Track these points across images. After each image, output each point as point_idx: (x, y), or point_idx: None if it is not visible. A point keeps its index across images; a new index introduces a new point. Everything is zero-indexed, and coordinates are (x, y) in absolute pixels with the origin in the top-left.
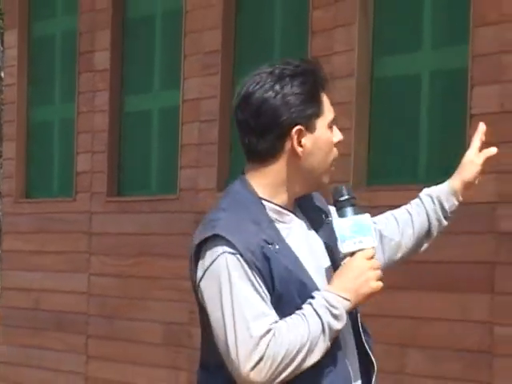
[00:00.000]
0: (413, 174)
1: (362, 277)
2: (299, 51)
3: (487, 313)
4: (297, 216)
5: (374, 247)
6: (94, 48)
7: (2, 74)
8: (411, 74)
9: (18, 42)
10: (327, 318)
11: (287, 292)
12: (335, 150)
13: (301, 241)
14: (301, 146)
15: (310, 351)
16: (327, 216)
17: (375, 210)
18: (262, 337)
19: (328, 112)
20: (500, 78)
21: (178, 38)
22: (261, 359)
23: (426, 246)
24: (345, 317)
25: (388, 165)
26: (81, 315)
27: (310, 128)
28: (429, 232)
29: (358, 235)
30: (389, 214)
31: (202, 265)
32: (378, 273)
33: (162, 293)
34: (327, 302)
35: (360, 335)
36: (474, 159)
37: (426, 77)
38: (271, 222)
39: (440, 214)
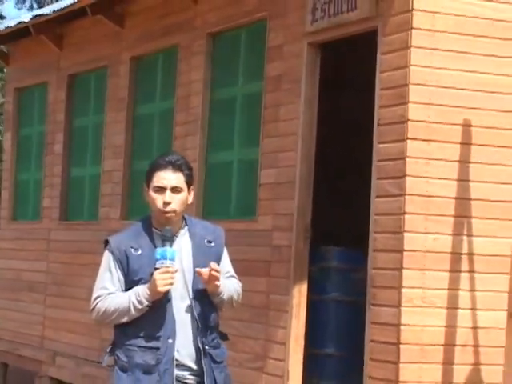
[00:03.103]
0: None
1: (154, 282)
2: None
3: None
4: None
5: (167, 267)
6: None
7: None
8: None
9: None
10: (133, 299)
11: (134, 279)
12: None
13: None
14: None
15: (120, 315)
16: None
17: None
18: (96, 298)
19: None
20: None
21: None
22: (93, 309)
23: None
24: (144, 301)
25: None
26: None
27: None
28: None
29: (162, 259)
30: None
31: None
32: (164, 282)
33: None
34: (137, 292)
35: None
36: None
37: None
38: (145, 240)
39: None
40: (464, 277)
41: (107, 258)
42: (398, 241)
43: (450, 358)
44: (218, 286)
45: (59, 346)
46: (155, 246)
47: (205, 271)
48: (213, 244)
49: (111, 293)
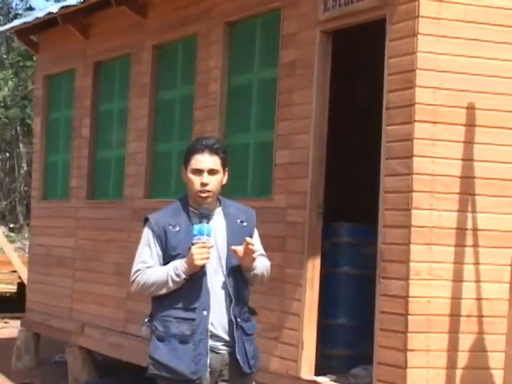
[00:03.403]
0: None
1: (192, 256)
2: None
3: None
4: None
5: (204, 242)
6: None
7: None
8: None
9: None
10: (171, 273)
11: (172, 254)
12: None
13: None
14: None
15: (158, 287)
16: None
17: None
18: (136, 271)
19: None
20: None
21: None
22: (133, 281)
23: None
24: (182, 275)
25: None
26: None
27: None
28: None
29: (199, 235)
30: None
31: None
32: (201, 256)
33: None
34: (175, 265)
35: (227, 287)
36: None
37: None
38: (182, 217)
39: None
40: (468, 251)
41: (147, 234)
42: (406, 217)
43: (456, 328)
44: (253, 260)
45: (87, 317)
46: (192, 224)
47: (240, 248)
48: (245, 224)
49: (150, 266)
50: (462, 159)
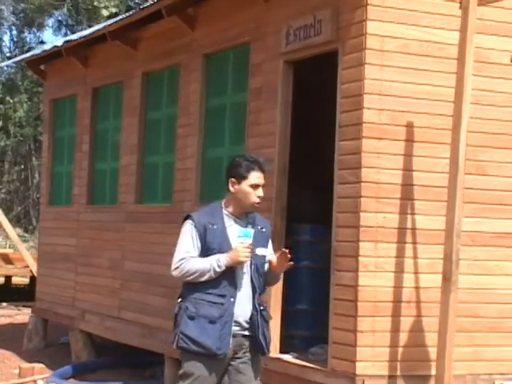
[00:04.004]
0: None
1: (236, 252)
2: None
3: None
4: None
5: (249, 244)
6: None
7: None
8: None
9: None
10: (213, 264)
11: (214, 248)
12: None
13: (234, 230)
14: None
15: (200, 275)
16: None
17: None
18: (181, 259)
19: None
20: None
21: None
22: (177, 267)
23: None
24: (223, 266)
25: None
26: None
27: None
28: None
29: (244, 236)
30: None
31: (182, 226)
32: (245, 254)
33: None
34: (218, 258)
35: (253, 281)
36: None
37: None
38: (223, 218)
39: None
40: (408, 247)
41: (190, 228)
42: (356, 219)
43: (398, 312)
44: (288, 266)
45: (87, 305)
46: (224, 225)
47: (274, 258)
48: (264, 230)
49: (193, 256)
50: (403, 169)
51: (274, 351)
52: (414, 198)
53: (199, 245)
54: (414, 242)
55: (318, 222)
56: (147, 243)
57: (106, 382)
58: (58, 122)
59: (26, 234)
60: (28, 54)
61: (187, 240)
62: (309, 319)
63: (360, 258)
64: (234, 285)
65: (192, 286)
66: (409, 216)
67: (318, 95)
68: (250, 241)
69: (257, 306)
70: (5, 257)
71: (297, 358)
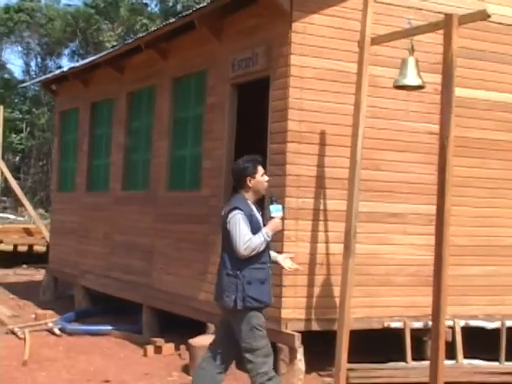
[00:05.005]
0: None
1: (273, 224)
2: None
3: None
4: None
5: (280, 217)
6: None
7: None
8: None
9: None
10: (265, 236)
11: (255, 228)
12: (266, 185)
13: (257, 213)
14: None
15: (259, 246)
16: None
17: None
18: (248, 240)
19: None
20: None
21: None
22: (247, 247)
23: None
24: (271, 236)
25: None
26: None
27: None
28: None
29: (275, 212)
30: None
31: (232, 216)
32: (280, 224)
33: None
34: (265, 232)
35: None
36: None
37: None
38: (251, 206)
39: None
40: (321, 223)
41: (241, 217)
42: (282, 202)
43: (312, 272)
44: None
45: (86, 267)
46: (254, 210)
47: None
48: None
49: (251, 237)
50: (317, 166)
51: None
52: (325, 187)
53: (249, 227)
54: (325, 220)
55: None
56: (130, 220)
57: (100, 325)
58: (65, 129)
59: (46, 213)
60: (43, 77)
61: (243, 226)
62: None
63: (285, 232)
64: (268, 254)
65: (246, 260)
66: (321, 200)
67: (259, 110)
68: (281, 214)
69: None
70: (27, 231)
71: None
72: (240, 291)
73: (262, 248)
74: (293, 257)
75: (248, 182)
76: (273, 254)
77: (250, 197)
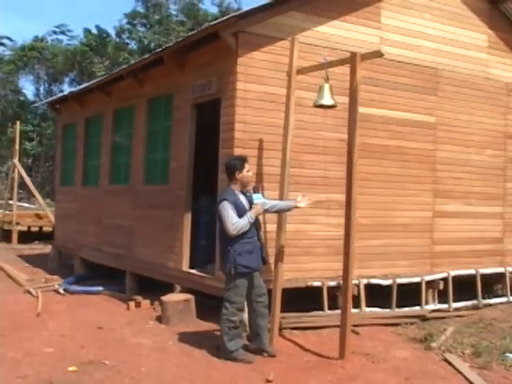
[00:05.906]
0: None
1: (255, 208)
2: None
3: None
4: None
5: (261, 203)
6: None
7: None
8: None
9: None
10: (249, 218)
11: (241, 211)
12: (250, 178)
13: (244, 200)
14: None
15: (244, 226)
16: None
17: None
18: (234, 223)
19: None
20: None
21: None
22: (235, 228)
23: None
24: (254, 219)
25: None
26: None
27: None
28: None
29: (257, 199)
30: (275, 201)
31: (221, 206)
32: (261, 210)
33: None
34: (248, 215)
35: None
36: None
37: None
38: (238, 195)
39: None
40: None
41: (229, 205)
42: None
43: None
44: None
45: (83, 242)
46: (240, 198)
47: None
48: (248, 194)
49: (237, 220)
50: (257, 165)
51: (186, 267)
52: (263, 181)
53: (236, 213)
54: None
55: (210, 195)
56: (115, 207)
57: (93, 286)
58: (66, 138)
59: (52, 202)
60: (49, 99)
61: (230, 212)
62: (206, 249)
63: None
64: (254, 230)
65: (236, 237)
66: (260, 191)
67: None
68: (262, 200)
69: (262, 240)
70: (38, 215)
71: (199, 271)
72: (231, 261)
73: (247, 228)
74: (305, 195)
75: (236, 175)
76: (287, 202)
77: (237, 188)
